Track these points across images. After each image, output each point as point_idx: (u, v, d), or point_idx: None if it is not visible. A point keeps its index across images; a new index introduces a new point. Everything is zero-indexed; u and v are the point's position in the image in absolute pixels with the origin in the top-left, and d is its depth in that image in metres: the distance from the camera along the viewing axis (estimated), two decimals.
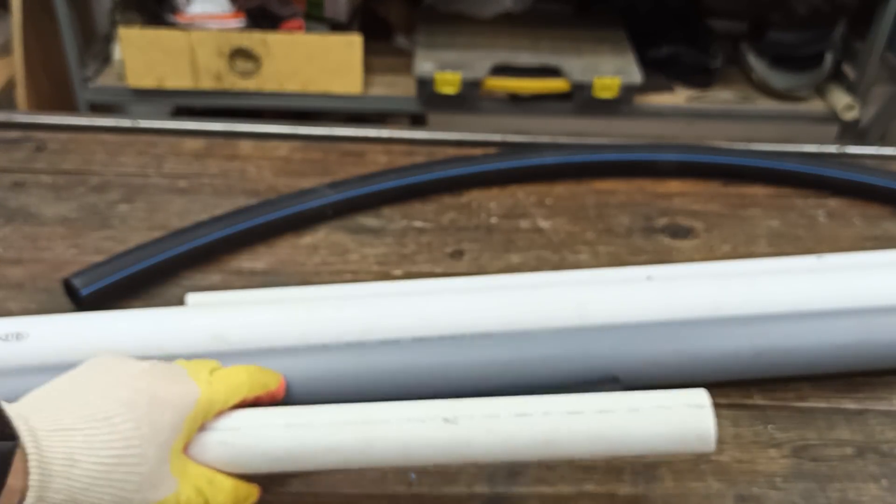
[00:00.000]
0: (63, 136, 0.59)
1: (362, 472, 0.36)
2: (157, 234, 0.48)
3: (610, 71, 1.02)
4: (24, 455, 0.25)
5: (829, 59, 1.06)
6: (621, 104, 1.03)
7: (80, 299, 0.43)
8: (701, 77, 1.08)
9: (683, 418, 0.30)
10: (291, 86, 1.01)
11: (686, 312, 0.41)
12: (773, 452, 0.37)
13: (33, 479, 0.25)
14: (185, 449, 0.30)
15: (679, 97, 1.08)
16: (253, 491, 0.32)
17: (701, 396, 0.30)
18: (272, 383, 0.34)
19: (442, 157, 0.57)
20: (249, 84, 1.01)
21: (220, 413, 0.31)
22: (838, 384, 0.41)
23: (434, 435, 0.30)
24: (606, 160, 0.56)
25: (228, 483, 0.31)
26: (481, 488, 0.35)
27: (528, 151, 0.57)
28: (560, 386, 0.37)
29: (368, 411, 0.31)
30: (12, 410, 0.26)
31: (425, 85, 1.00)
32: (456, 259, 0.49)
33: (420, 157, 0.58)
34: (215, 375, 0.31)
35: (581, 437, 0.30)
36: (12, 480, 0.25)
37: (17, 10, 1.00)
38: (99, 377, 0.29)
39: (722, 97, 1.08)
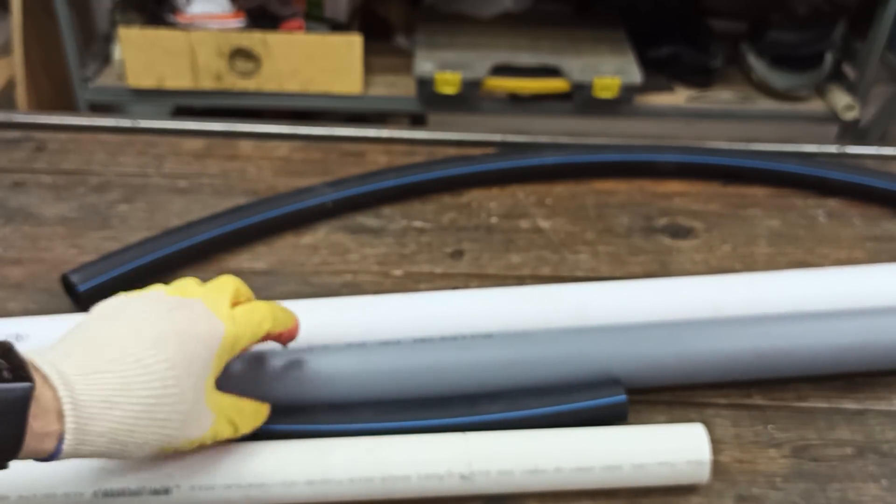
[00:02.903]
0: (63, 136, 0.59)
1: None
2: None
3: (610, 71, 1.02)
4: (57, 398, 0.25)
5: (829, 58, 1.06)
6: (621, 104, 1.03)
7: (78, 295, 0.43)
8: (701, 77, 1.08)
9: (684, 473, 0.34)
10: (291, 86, 1.01)
11: (687, 313, 0.41)
12: (773, 452, 0.37)
13: (69, 422, 0.25)
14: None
15: (679, 97, 1.08)
16: (264, 408, 0.34)
17: (702, 452, 0.34)
18: (290, 321, 0.34)
19: (442, 156, 0.57)
20: (249, 84, 1.01)
21: (245, 348, 0.32)
22: (838, 384, 0.41)
23: (449, 488, 0.33)
24: (606, 160, 0.56)
25: (251, 407, 0.32)
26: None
27: (528, 151, 0.57)
28: (562, 387, 0.37)
29: (386, 464, 0.33)
30: (37, 357, 0.26)
31: (425, 85, 1.00)
32: (456, 259, 0.49)
33: (420, 156, 0.58)
34: (238, 311, 0.31)
35: (588, 487, 0.34)
36: (41, 424, 0.25)
37: (17, 10, 1.00)
38: (122, 320, 0.29)
39: (722, 97, 1.08)
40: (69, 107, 1.08)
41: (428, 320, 0.40)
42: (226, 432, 0.31)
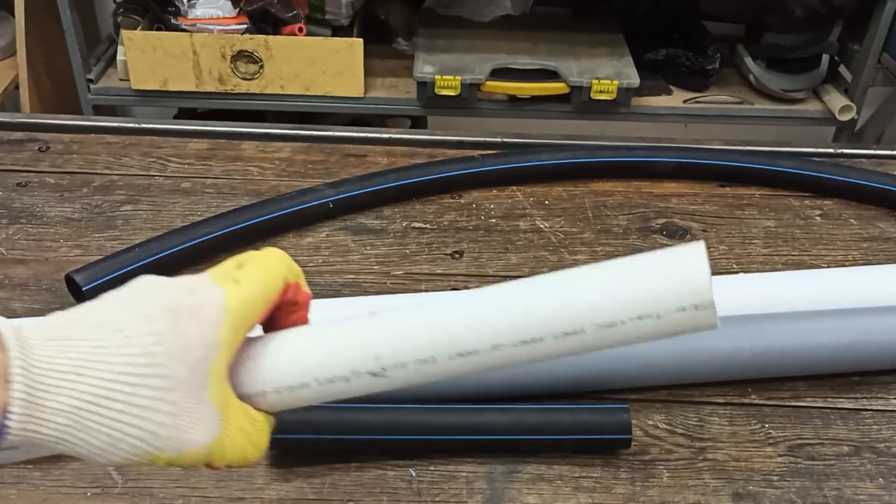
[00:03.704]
0: (67, 137, 0.59)
1: (363, 469, 0.36)
2: None
3: (608, 73, 1.02)
4: (8, 362, 0.20)
5: (825, 61, 1.06)
6: (619, 106, 1.03)
7: (83, 295, 0.43)
8: (698, 79, 1.09)
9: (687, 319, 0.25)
10: (293, 88, 1.02)
11: None
12: (769, 451, 0.38)
13: (16, 389, 0.20)
14: (229, 374, 0.24)
15: (676, 99, 1.08)
16: (271, 420, 0.26)
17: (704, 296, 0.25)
18: (297, 271, 0.27)
19: (442, 158, 0.58)
20: (252, 86, 1.02)
21: (265, 312, 0.25)
22: (834, 383, 0.41)
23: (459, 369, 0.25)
24: (604, 162, 0.56)
25: (266, 422, 0.25)
26: (480, 485, 0.36)
27: (526, 153, 0.57)
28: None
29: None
30: (4, 321, 0.21)
31: (425, 87, 1.01)
32: (456, 259, 0.49)
33: (420, 158, 0.58)
34: (244, 270, 0.25)
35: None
36: None
37: (20, 13, 1.01)
38: (112, 295, 0.24)
39: (719, 99, 1.08)
40: (73, 109, 1.08)
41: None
42: (238, 447, 0.23)
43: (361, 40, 1.00)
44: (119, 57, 1.03)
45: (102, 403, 0.21)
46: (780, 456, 0.37)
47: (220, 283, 0.24)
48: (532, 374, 0.38)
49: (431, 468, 0.36)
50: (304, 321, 0.27)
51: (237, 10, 1.00)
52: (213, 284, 0.24)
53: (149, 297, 0.24)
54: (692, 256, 0.25)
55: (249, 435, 0.24)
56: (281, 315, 0.27)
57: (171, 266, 0.46)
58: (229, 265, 0.25)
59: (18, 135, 0.59)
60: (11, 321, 0.22)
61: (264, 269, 0.25)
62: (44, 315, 0.41)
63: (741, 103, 1.08)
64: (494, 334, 0.25)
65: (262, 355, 0.26)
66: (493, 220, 0.53)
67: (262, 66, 1.00)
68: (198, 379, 0.22)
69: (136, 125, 0.61)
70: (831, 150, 0.61)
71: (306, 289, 0.27)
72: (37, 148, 0.58)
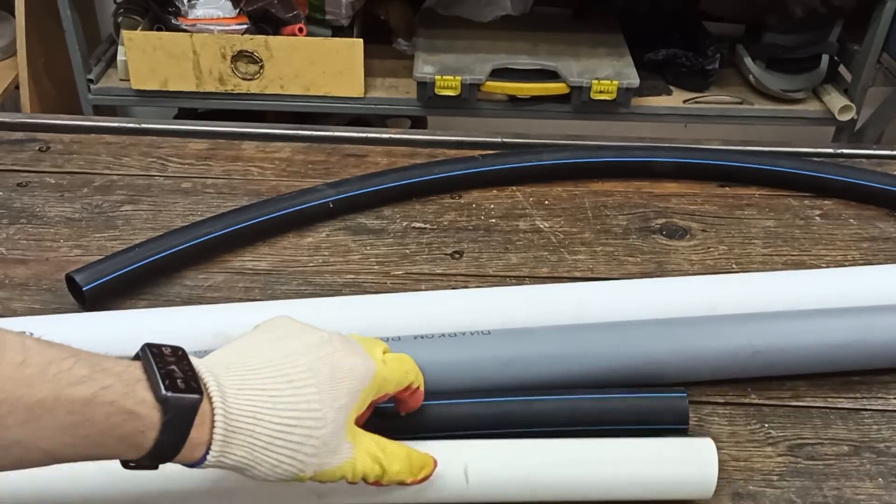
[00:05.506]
0: (67, 137, 0.59)
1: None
2: None
3: (607, 74, 1.02)
4: (212, 410, 0.26)
5: (825, 61, 1.06)
6: (619, 106, 1.03)
7: (83, 295, 0.43)
8: (698, 79, 1.09)
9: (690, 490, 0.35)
10: (293, 88, 1.02)
11: (683, 313, 0.41)
12: (769, 450, 0.38)
13: (218, 433, 0.26)
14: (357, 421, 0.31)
15: (676, 99, 1.08)
16: (428, 461, 0.33)
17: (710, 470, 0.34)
18: (421, 378, 0.35)
19: (442, 158, 0.58)
20: (252, 86, 1.02)
21: (393, 393, 0.32)
22: (835, 383, 0.41)
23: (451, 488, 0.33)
24: (604, 162, 0.56)
25: (402, 451, 0.31)
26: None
27: (526, 153, 0.57)
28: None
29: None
30: (202, 367, 0.27)
31: (425, 87, 1.01)
32: (455, 259, 0.49)
33: (420, 158, 0.58)
34: (388, 357, 0.33)
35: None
36: (196, 433, 0.26)
37: (20, 13, 1.01)
38: (283, 342, 0.30)
39: (719, 99, 1.08)
40: (73, 109, 1.08)
41: (428, 319, 0.40)
42: (369, 468, 0.30)
43: (361, 40, 1.00)
44: (119, 57, 1.03)
45: (271, 443, 0.27)
46: (779, 456, 0.38)
47: (373, 357, 0.31)
48: (530, 373, 0.38)
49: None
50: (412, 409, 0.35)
51: (237, 10, 1.00)
52: (368, 356, 0.31)
53: (317, 347, 0.30)
54: (705, 460, 0.33)
55: (379, 459, 0.31)
56: (398, 402, 0.34)
57: (172, 266, 0.46)
58: (378, 348, 0.33)
59: (18, 135, 0.59)
60: (205, 362, 0.28)
61: (404, 367, 0.33)
62: (44, 315, 0.41)
63: (741, 103, 1.08)
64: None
65: None
66: (493, 220, 0.53)
67: (262, 67, 1.00)
68: (339, 420, 0.29)
69: (136, 125, 0.61)
70: (831, 150, 0.61)
71: (422, 389, 0.34)
72: (37, 148, 0.58)
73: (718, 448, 0.37)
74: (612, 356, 0.38)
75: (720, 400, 0.40)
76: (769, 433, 0.39)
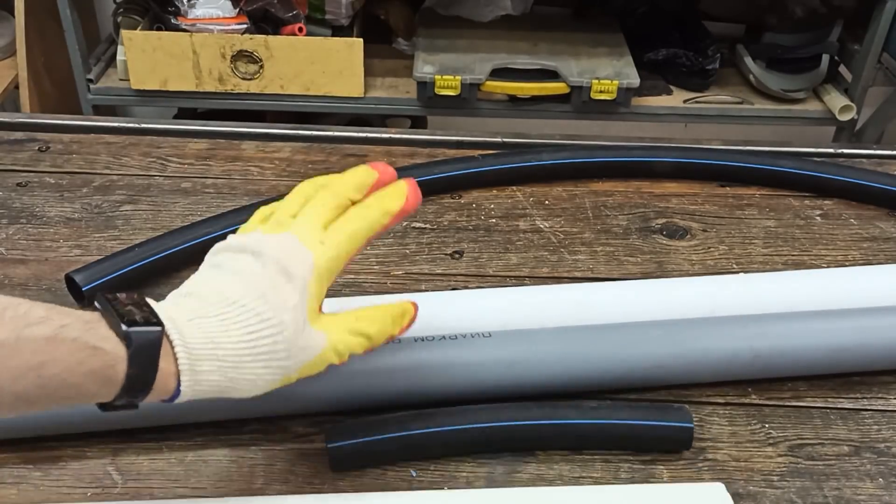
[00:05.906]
0: (67, 137, 0.59)
1: (363, 470, 0.36)
2: None
3: (607, 73, 1.02)
4: (170, 341, 0.28)
5: (825, 61, 1.07)
6: (619, 106, 1.03)
7: (82, 295, 0.43)
8: (698, 79, 1.09)
9: None
10: (293, 88, 1.02)
11: (683, 313, 0.41)
12: (769, 451, 0.38)
13: (182, 362, 0.27)
14: (321, 309, 0.31)
15: (676, 99, 1.08)
16: (406, 307, 0.33)
17: None
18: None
19: (442, 158, 0.58)
20: (252, 86, 1.02)
21: (346, 264, 0.32)
22: (835, 383, 0.41)
23: None
24: (604, 162, 0.56)
25: (377, 311, 0.32)
26: (480, 485, 0.36)
27: (526, 153, 0.57)
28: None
29: None
30: (155, 305, 0.29)
31: (425, 87, 1.01)
32: (456, 259, 0.49)
33: (420, 158, 0.58)
34: (329, 231, 0.32)
35: None
36: (164, 363, 0.27)
37: (20, 13, 1.01)
38: (225, 271, 0.31)
39: (719, 99, 1.09)
40: (73, 109, 1.08)
41: (428, 319, 0.40)
42: (353, 343, 0.31)
43: (361, 40, 1.00)
44: (119, 57, 1.03)
45: (237, 360, 0.28)
46: (780, 456, 0.37)
47: (309, 245, 0.31)
48: (531, 372, 0.38)
49: (431, 468, 0.36)
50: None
51: (237, 10, 1.00)
52: (304, 248, 0.31)
53: (253, 268, 0.30)
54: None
55: (358, 329, 0.31)
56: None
57: (172, 266, 0.46)
58: (317, 227, 0.32)
59: (18, 135, 0.59)
60: (161, 305, 0.29)
61: (349, 231, 0.32)
62: None
63: (741, 103, 1.08)
64: None
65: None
66: (493, 220, 0.53)
67: (262, 66, 1.00)
68: (298, 318, 0.30)
69: (136, 125, 0.61)
70: (831, 150, 0.61)
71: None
72: (37, 148, 0.58)
73: (718, 449, 0.38)
74: (613, 360, 0.38)
75: (720, 400, 0.40)
76: (769, 433, 0.39)
